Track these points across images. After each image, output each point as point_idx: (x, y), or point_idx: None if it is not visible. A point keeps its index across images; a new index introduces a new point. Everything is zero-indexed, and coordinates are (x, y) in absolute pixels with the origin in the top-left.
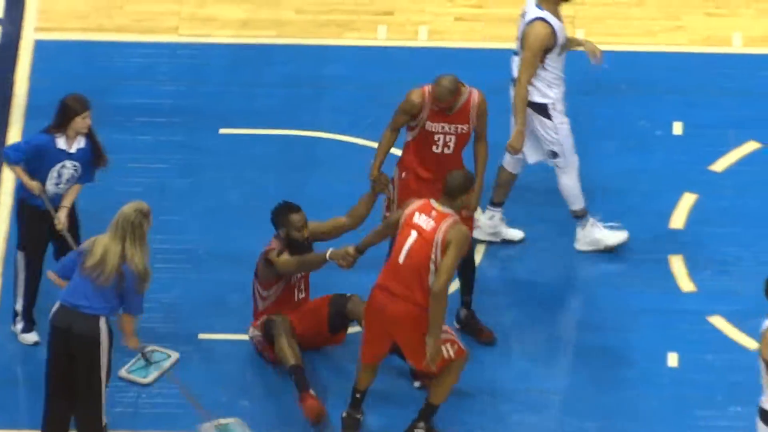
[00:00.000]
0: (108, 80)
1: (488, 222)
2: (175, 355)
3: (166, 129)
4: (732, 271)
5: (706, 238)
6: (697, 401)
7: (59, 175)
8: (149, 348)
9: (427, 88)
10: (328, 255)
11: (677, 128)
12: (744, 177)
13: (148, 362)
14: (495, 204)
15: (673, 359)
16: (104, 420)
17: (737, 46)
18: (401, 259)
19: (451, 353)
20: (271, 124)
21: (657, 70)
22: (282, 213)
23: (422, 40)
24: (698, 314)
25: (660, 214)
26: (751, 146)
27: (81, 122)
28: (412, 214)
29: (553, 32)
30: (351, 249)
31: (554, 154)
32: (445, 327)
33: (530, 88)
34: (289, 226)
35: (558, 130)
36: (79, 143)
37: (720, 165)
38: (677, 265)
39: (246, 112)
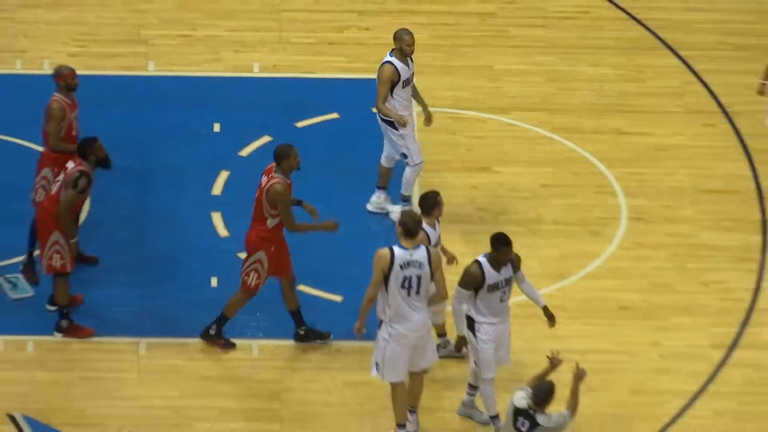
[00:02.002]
0: None
1: (376, 200)
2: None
3: None
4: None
5: (237, 200)
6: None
7: None
8: (1, 276)
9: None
10: None
11: (216, 127)
12: (261, 159)
13: (14, 284)
14: (380, 188)
15: (214, 281)
16: None
17: (256, 71)
18: (254, 202)
19: (251, 282)
20: None
21: (202, 89)
22: (89, 143)
23: (46, 69)
24: (231, 251)
25: (206, 186)
26: (266, 139)
27: None
28: (263, 176)
29: (396, 71)
30: None
31: (404, 155)
32: (262, 260)
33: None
34: (96, 150)
35: (405, 137)
36: None
37: (246, 151)
38: (217, 218)
39: None
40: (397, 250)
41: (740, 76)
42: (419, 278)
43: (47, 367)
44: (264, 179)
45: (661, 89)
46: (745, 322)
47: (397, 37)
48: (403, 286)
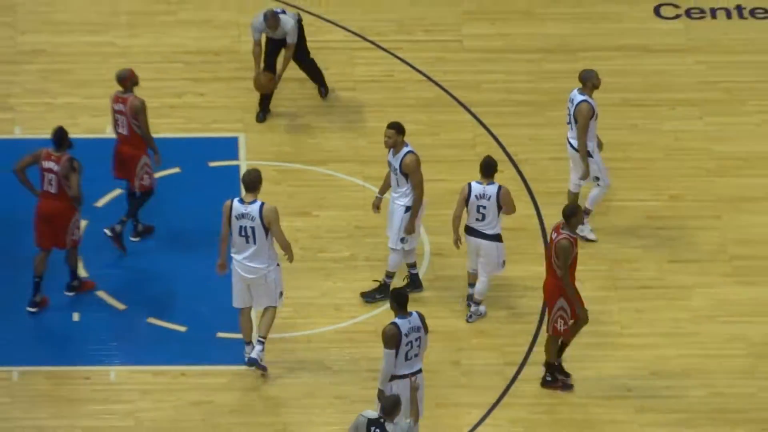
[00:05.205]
0: None
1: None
2: None
3: None
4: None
5: (94, 246)
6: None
7: None
8: None
9: None
10: None
11: None
12: (114, 208)
13: None
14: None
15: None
16: None
17: (108, 133)
18: (546, 257)
19: (560, 327)
20: None
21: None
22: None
23: None
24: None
25: None
26: (117, 191)
27: None
28: (552, 232)
29: (592, 108)
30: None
31: (596, 178)
32: (564, 307)
33: None
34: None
35: (597, 163)
36: None
37: (101, 202)
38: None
39: None
40: (235, 202)
41: (523, 129)
42: (253, 229)
43: None
44: (554, 235)
45: (456, 141)
46: (533, 342)
47: (588, 77)
48: (240, 234)
